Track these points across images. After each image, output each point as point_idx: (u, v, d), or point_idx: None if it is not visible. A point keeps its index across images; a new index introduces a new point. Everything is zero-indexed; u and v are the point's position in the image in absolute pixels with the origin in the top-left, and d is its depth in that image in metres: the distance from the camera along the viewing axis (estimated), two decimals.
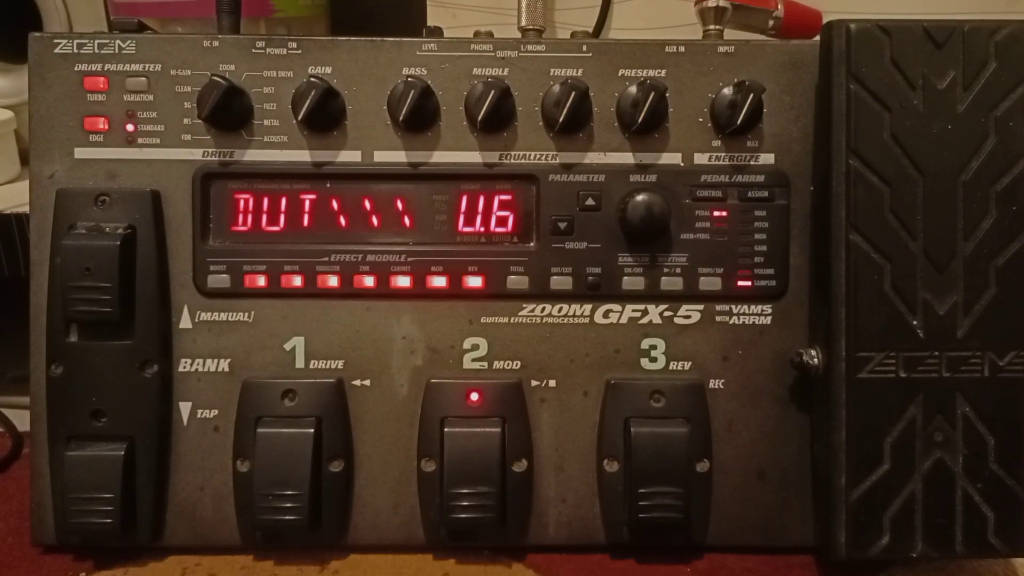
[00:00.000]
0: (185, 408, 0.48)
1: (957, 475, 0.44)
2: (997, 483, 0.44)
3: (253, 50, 0.48)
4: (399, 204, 0.48)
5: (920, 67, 0.44)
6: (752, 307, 0.48)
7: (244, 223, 0.48)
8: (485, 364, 0.48)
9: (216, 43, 0.47)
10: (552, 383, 0.49)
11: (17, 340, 0.51)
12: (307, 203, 0.48)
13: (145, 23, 0.50)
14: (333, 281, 0.48)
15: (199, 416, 0.48)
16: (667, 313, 0.49)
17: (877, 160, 0.44)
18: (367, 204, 0.48)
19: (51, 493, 0.47)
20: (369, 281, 0.48)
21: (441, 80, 0.48)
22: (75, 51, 0.47)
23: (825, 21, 0.47)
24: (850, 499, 0.44)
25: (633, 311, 0.48)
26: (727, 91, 0.47)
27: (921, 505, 0.44)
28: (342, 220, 0.48)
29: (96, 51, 0.47)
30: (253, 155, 0.48)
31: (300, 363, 0.48)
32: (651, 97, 0.46)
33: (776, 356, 0.48)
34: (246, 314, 0.48)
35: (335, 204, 0.48)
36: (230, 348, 0.48)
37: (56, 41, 0.47)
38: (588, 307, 0.48)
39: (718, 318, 0.48)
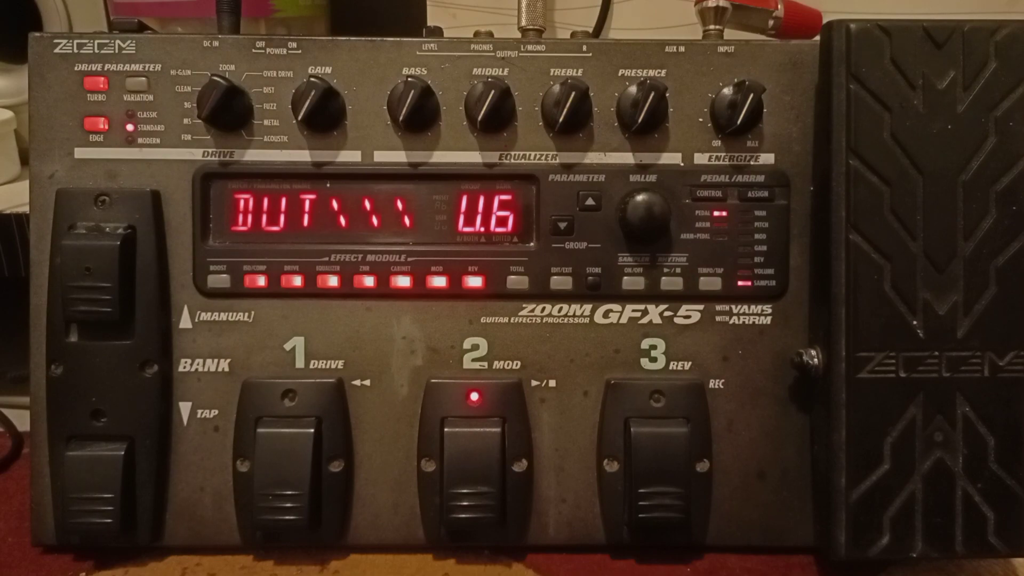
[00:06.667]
0: (185, 408, 0.48)
1: (957, 475, 0.44)
2: (997, 483, 0.44)
3: (253, 50, 0.48)
4: (399, 204, 0.48)
5: (920, 67, 0.44)
6: (752, 307, 0.48)
7: (244, 223, 0.48)
8: (485, 364, 0.48)
9: (216, 43, 0.47)
10: (552, 383, 0.49)
11: (17, 340, 0.51)
12: (307, 203, 0.48)
13: (145, 23, 0.50)
14: (333, 281, 0.48)
15: (199, 416, 0.48)
16: (667, 313, 0.49)
17: (877, 160, 0.44)
18: (367, 204, 0.48)
19: (51, 493, 0.47)
20: (369, 281, 0.48)
21: (441, 80, 0.48)
22: (75, 51, 0.47)
23: (825, 21, 0.47)
24: (850, 499, 0.44)
25: (633, 311, 0.48)
26: (727, 91, 0.47)
27: (921, 505, 0.44)
28: (342, 220, 0.48)
29: (96, 51, 0.47)
30: (253, 155, 0.48)
31: (300, 363, 0.48)
32: (651, 97, 0.46)
33: (776, 356, 0.48)
34: (246, 314, 0.48)
35: (335, 204, 0.48)
36: (230, 348, 0.48)
37: (56, 41, 0.47)
38: (588, 307, 0.48)
39: (718, 318, 0.48)
